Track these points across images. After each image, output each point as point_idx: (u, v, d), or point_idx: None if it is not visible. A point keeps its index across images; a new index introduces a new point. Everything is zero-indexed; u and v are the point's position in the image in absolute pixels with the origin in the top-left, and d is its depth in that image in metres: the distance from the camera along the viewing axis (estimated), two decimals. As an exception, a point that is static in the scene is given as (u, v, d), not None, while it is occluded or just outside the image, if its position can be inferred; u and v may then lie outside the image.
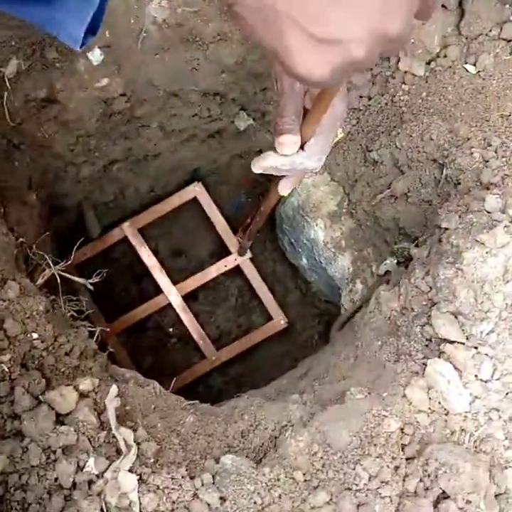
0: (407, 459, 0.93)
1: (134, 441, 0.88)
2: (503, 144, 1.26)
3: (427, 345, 1.06)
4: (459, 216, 1.13)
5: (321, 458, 0.91)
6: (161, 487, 0.84)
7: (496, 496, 0.94)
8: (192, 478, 0.87)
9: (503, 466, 0.97)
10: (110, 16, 1.26)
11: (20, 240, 1.15)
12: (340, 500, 0.86)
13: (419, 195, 1.38)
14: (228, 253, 1.97)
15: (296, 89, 0.83)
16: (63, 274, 1.17)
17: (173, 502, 0.84)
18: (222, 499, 0.85)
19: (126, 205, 1.85)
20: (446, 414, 0.98)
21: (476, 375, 0.98)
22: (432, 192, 1.36)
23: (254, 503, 0.85)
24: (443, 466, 0.91)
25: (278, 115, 0.85)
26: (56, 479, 0.81)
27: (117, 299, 1.99)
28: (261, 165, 0.93)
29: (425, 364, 1.01)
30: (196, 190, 1.93)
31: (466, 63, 1.46)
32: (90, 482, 0.82)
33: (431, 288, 1.09)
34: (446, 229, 1.13)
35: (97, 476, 0.82)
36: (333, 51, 0.51)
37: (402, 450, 0.93)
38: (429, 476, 0.91)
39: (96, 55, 1.30)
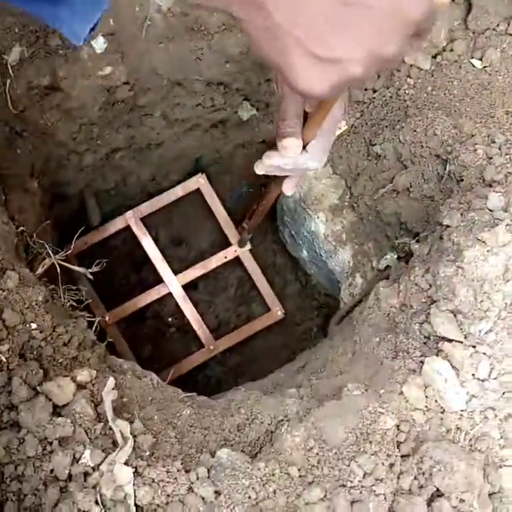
0: (402, 457, 0.93)
1: (131, 434, 0.88)
2: (508, 141, 1.26)
3: (425, 343, 1.06)
4: (461, 214, 1.12)
5: (317, 454, 0.91)
6: (156, 480, 0.84)
7: (489, 494, 0.95)
8: (187, 471, 0.87)
9: (497, 465, 0.97)
10: (115, 4, 1.25)
11: (21, 228, 1.15)
12: (334, 496, 0.87)
13: (421, 191, 1.37)
14: (228, 244, 1.98)
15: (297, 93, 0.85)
16: (63, 263, 1.17)
17: (168, 495, 0.84)
18: (217, 493, 0.85)
19: (128, 193, 1.85)
20: (442, 413, 0.98)
21: (473, 374, 0.98)
22: (434, 188, 1.35)
23: (249, 497, 0.85)
24: (438, 464, 0.91)
25: (280, 119, 0.89)
26: (52, 471, 0.82)
27: (117, 287, 1.99)
28: (264, 164, 0.97)
29: (423, 362, 1.01)
30: (200, 182, 1.94)
31: (472, 58, 1.45)
32: (86, 474, 0.82)
33: (430, 286, 1.09)
34: (448, 226, 1.12)
35: (93, 468, 0.83)
36: (333, 69, 0.56)
37: (398, 447, 0.93)
38: (423, 474, 0.91)
39: (99, 43, 1.29)
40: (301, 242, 1.80)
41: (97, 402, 0.91)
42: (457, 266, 1.03)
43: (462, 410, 0.98)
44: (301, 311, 2.05)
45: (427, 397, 0.98)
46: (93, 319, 1.13)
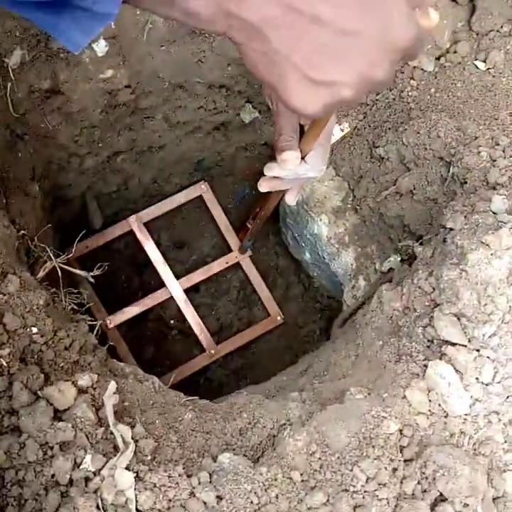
0: (405, 461, 0.92)
1: (132, 438, 0.88)
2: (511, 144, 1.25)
3: (428, 347, 1.05)
4: (465, 216, 1.12)
5: (319, 458, 0.91)
6: (157, 485, 0.84)
7: (493, 499, 0.94)
8: (189, 476, 0.87)
9: (501, 469, 0.96)
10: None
11: (22, 232, 1.15)
12: (337, 501, 0.86)
13: (424, 193, 1.37)
14: (230, 250, 2.00)
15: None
16: (64, 266, 1.17)
17: (170, 500, 0.84)
18: (219, 498, 0.85)
19: (129, 196, 1.85)
20: (446, 417, 0.97)
21: (477, 378, 0.97)
22: (437, 190, 1.35)
23: (251, 502, 0.85)
24: (441, 469, 0.90)
25: (277, 133, 0.94)
26: (53, 475, 0.81)
27: (119, 290, 1.99)
28: (267, 178, 1.04)
29: (426, 366, 1.01)
30: (202, 189, 1.97)
31: (476, 59, 1.45)
32: (87, 479, 0.82)
33: (434, 289, 1.09)
34: (451, 229, 1.12)
35: (94, 473, 0.82)
36: (326, 91, 0.60)
37: (401, 452, 0.93)
38: (426, 478, 0.91)
39: (101, 47, 1.29)
40: (303, 245, 1.80)
41: (98, 407, 0.91)
42: (461, 269, 1.02)
43: (466, 414, 0.97)
44: (303, 313, 2.05)
45: (430, 401, 0.98)
46: (94, 323, 1.13)
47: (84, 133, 1.48)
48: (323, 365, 1.26)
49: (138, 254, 1.95)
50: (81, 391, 0.91)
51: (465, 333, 1.00)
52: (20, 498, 0.80)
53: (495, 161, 1.23)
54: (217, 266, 1.97)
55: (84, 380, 0.92)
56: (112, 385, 0.92)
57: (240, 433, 0.99)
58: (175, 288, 1.90)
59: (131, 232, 1.90)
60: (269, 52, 0.58)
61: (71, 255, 1.23)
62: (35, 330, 0.95)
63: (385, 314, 1.18)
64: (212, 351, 1.90)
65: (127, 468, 0.84)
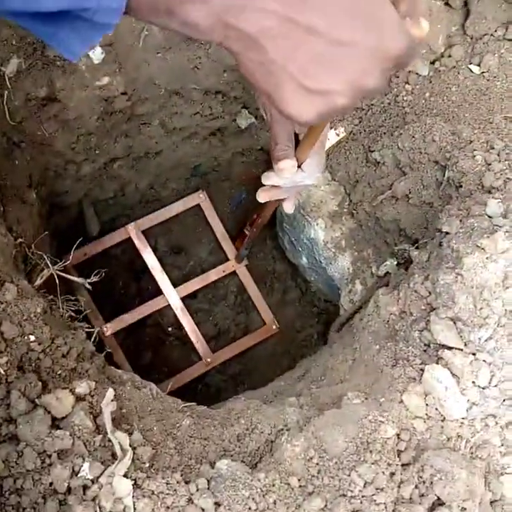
0: (402, 465, 0.92)
1: (130, 446, 0.88)
2: (506, 147, 1.25)
3: (425, 351, 1.05)
4: (460, 220, 1.12)
5: (317, 464, 0.91)
6: (155, 492, 0.84)
7: (491, 502, 0.94)
8: (187, 483, 0.87)
9: (498, 472, 0.97)
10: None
11: (20, 240, 1.15)
12: (334, 506, 0.86)
13: (420, 197, 1.37)
14: (227, 259, 2.03)
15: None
16: (62, 274, 1.17)
17: (168, 507, 0.84)
18: (217, 504, 0.85)
19: (126, 202, 1.85)
20: (443, 421, 0.97)
21: (473, 382, 0.98)
22: (433, 194, 1.35)
23: (249, 508, 0.85)
24: (438, 473, 0.90)
25: (272, 143, 0.97)
26: (51, 484, 0.81)
27: (116, 296, 1.99)
28: (265, 189, 1.07)
29: (423, 370, 1.01)
30: (200, 198, 1.99)
31: (470, 63, 1.45)
32: (85, 487, 0.82)
33: (430, 293, 1.09)
34: (447, 233, 1.12)
35: (92, 481, 0.82)
36: (320, 100, 0.62)
37: (398, 456, 0.93)
38: (424, 482, 0.91)
39: (97, 54, 1.30)
40: (300, 249, 1.80)
41: (96, 414, 0.91)
42: (456, 273, 1.03)
43: (463, 418, 0.97)
44: (300, 317, 2.06)
45: (427, 405, 0.98)
46: (92, 330, 1.13)
47: (80, 140, 1.49)
48: (321, 369, 1.26)
49: (135, 261, 1.96)
50: (79, 399, 0.91)
51: (461, 336, 1.00)
52: (19, 507, 0.80)
53: (490, 164, 1.23)
54: (214, 274, 1.99)
55: (82, 387, 0.92)
56: (110, 392, 0.92)
57: (237, 439, 0.99)
58: (172, 296, 1.91)
59: (129, 239, 1.91)
60: (265, 62, 0.59)
61: (68, 262, 1.23)
62: (32, 338, 0.95)
63: (382, 318, 1.18)
64: (209, 359, 1.91)
65: (125, 475, 0.84)
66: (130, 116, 1.51)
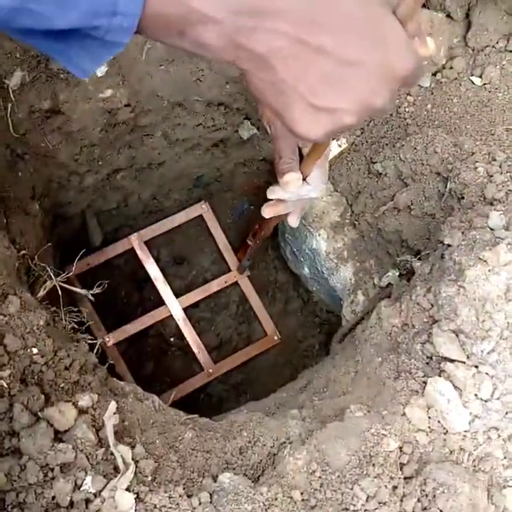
0: (405, 479, 0.92)
1: (132, 459, 0.88)
2: (508, 159, 1.26)
3: (427, 363, 1.05)
4: (462, 232, 1.12)
5: (319, 477, 0.90)
6: (158, 506, 0.84)
7: (493, 516, 0.94)
8: (189, 496, 0.87)
9: (501, 485, 0.96)
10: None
11: (23, 252, 1.15)
12: (337, 520, 0.86)
13: (422, 208, 1.37)
14: (229, 269, 2.03)
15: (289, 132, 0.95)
16: (64, 285, 1.17)
17: (170, 521, 0.84)
18: (220, 518, 0.85)
19: (129, 212, 1.86)
20: (445, 434, 0.97)
21: (476, 394, 0.97)
22: (435, 205, 1.35)
23: (251, 522, 0.85)
24: (441, 486, 0.90)
25: (276, 157, 0.98)
26: (53, 498, 0.81)
27: (118, 306, 1.99)
28: (270, 204, 1.09)
29: (425, 382, 1.01)
30: (203, 208, 2.00)
31: (472, 75, 1.46)
32: (87, 501, 0.81)
33: (432, 305, 1.09)
34: (449, 245, 1.12)
35: (95, 494, 0.82)
36: (329, 118, 0.63)
37: (401, 469, 0.93)
38: (427, 496, 0.91)
39: (100, 67, 1.30)
40: (302, 259, 1.80)
41: (98, 427, 0.91)
42: (459, 285, 1.03)
43: (465, 431, 0.97)
44: (302, 327, 2.06)
45: (429, 418, 0.98)
46: (94, 342, 1.13)
47: (84, 151, 1.49)
48: (323, 381, 1.26)
49: (138, 271, 1.96)
50: (81, 411, 0.91)
51: (463, 349, 1.00)
52: (21, 521, 0.80)
53: (491, 176, 1.23)
54: (215, 285, 2.00)
55: (85, 400, 0.92)
56: (112, 405, 0.92)
57: (240, 452, 0.99)
58: (174, 306, 1.92)
59: (131, 250, 1.92)
60: (276, 82, 0.60)
61: (71, 274, 1.23)
62: (35, 350, 0.95)
63: (384, 331, 1.18)
64: (210, 370, 1.92)
65: (128, 489, 0.84)
66: (133, 128, 1.52)
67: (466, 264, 1.04)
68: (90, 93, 1.35)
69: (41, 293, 1.13)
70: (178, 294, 1.93)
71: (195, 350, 1.91)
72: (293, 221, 1.17)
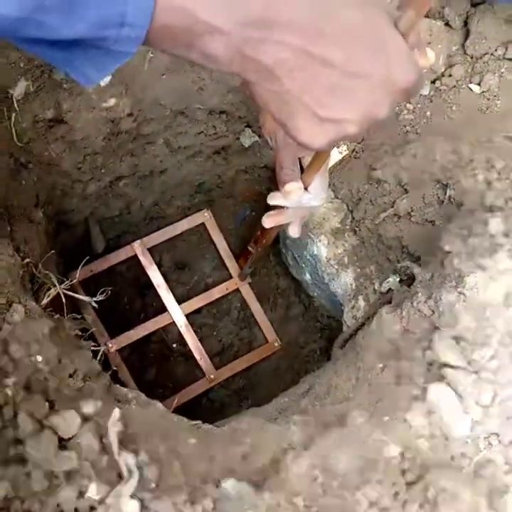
0: (407, 485, 0.93)
1: (136, 466, 0.88)
2: (507, 166, 1.27)
3: (428, 370, 1.06)
4: (462, 239, 1.13)
5: (322, 483, 0.91)
6: (162, 513, 0.84)
7: (495, 521, 0.95)
8: (193, 503, 0.87)
9: (502, 491, 0.97)
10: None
11: (27, 260, 1.16)
12: (339, 527, 0.87)
13: (422, 215, 1.38)
14: (230, 276, 2.05)
15: (290, 143, 0.98)
16: (68, 292, 1.18)
17: (174, 528, 0.84)
18: (223, 525, 0.85)
19: (131, 219, 1.87)
20: (447, 439, 0.98)
21: (476, 401, 0.98)
22: (435, 212, 1.36)
23: (255, 529, 0.85)
24: (442, 492, 0.91)
25: (278, 167, 1.01)
26: (58, 505, 0.81)
27: (121, 311, 2.00)
28: (271, 215, 1.11)
29: (426, 388, 1.01)
30: (205, 216, 2.02)
31: (470, 83, 1.47)
32: (92, 508, 0.82)
33: (433, 312, 1.10)
34: (449, 252, 1.13)
35: (99, 502, 0.83)
36: (332, 128, 0.65)
37: (402, 475, 0.93)
38: (428, 501, 0.91)
39: (103, 77, 1.31)
40: (303, 265, 1.81)
41: (102, 434, 0.91)
42: (459, 292, 1.03)
43: (466, 437, 0.97)
44: (304, 333, 2.06)
45: (430, 424, 0.98)
46: (98, 349, 1.14)
47: (87, 160, 1.50)
48: (325, 387, 1.27)
49: (140, 277, 1.97)
50: (85, 419, 0.91)
51: (464, 355, 1.01)
52: (27, 528, 0.80)
53: (491, 183, 1.24)
54: (217, 292, 2.01)
55: (89, 407, 0.93)
56: (116, 413, 0.93)
57: (242, 458, 0.99)
58: (176, 313, 1.92)
59: (134, 257, 1.93)
60: (281, 92, 0.62)
61: (75, 281, 1.24)
62: (40, 358, 0.96)
63: (385, 337, 1.19)
64: (212, 376, 1.92)
65: (132, 496, 0.84)
66: (136, 136, 1.53)
67: (466, 270, 1.04)
68: (93, 102, 1.35)
69: (45, 300, 1.14)
70: (179, 300, 1.94)
71: (197, 356, 1.92)
72: (293, 231, 1.18)
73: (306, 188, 1.02)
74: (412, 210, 1.39)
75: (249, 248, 1.74)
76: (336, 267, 1.62)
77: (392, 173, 1.44)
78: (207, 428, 1.10)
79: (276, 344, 2.03)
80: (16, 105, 1.24)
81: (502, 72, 1.45)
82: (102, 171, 1.57)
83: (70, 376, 1.00)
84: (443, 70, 1.48)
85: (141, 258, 1.92)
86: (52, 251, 1.35)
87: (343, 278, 1.63)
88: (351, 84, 0.61)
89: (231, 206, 2.04)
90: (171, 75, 1.39)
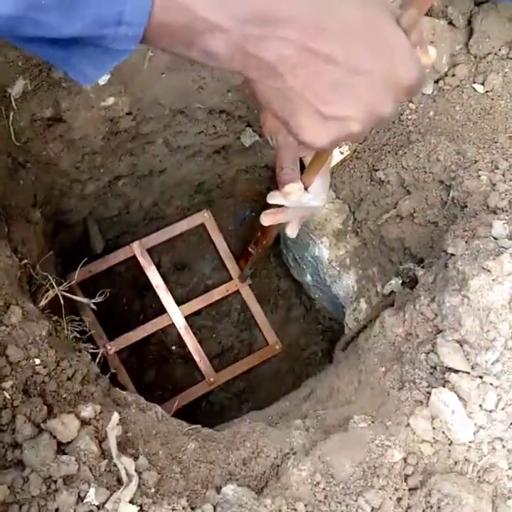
0: (409, 490, 0.92)
1: (135, 471, 0.87)
2: (511, 167, 1.25)
3: (431, 374, 1.05)
4: (466, 242, 1.12)
5: (324, 489, 0.90)
6: (161, 518, 0.83)
7: (498, 527, 0.94)
8: (193, 509, 0.86)
9: (506, 496, 0.96)
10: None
11: (24, 261, 1.15)
12: (342, 533, 0.85)
13: (425, 216, 1.37)
14: (230, 278, 2.04)
15: (291, 143, 0.98)
16: (66, 294, 1.17)
17: (174, 534, 0.83)
18: (223, 531, 0.84)
19: (130, 219, 1.86)
20: (450, 444, 0.97)
21: (480, 405, 0.97)
22: (438, 213, 1.35)
23: (256, 535, 0.84)
24: (446, 497, 0.90)
25: (278, 167, 0.99)
26: (57, 510, 0.80)
27: (120, 312, 1.99)
28: (270, 213, 1.09)
29: (429, 393, 1.00)
30: (205, 217, 2.01)
31: (474, 82, 1.46)
32: (91, 513, 0.81)
33: (436, 315, 1.08)
34: (453, 255, 1.12)
35: (98, 506, 0.81)
36: (335, 126, 0.63)
37: (405, 481, 0.92)
38: (431, 507, 0.90)
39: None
40: (304, 267, 1.80)
41: (101, 438, 0.90)
42: (463, 295, 1.02)
43: (470, 442, 0.96)
44: (305, 335, 2.05)
45: (434, 428, 0.97)
46: (97, 351, 1.13)
47: (85, 159, 1.49)
48: (326, 391, 1.26)
49: (139, 278, 1.96)
50: (84, 423, 0.90)
51: (468, 359, 1.00)
52: (24, 534, 0.79)
53: (495, 185, 1.23)
54: (217, 294, 2.00)
55: (87, 411, 0.92)
56: (115, 417, 0.92)
57: (243, 463, 0.98)
58: (176, 314, 1.91)
59: (133, 257, 1.92)
60: (283, 90, 0.60)
61: (73, 282, 1.23)
62: (38, 361, 0.95)
63: (388, 340, 1.18)
64: (212, 379, 1.91)
65: (131, 501, 0.83)
66: (135, 136, 1.52)
67: (470, 273, 1.03)
68: (92, 101, 1.35)
69: (43, 302, 1.13)
70: (179, 301, 1.93)
71: (196, 358, 1.91)
72: (291, 231, 1.17)
73: (306, 189, 1.01)
74: (414, 212, 1.38)
75: (250, 249, 1.73)
76: (338, 268, 1.61)
77: (394, 174, 1.43)
78: (207, 432, 1.09)
79: (276, 346, 2.02)
80: (13, 104, 1.23)
81: (506, 72, 1.44)
82: (101, 170, 1.56)
83: (69, 379, 0.99)
84: (446, 70, 1.47)
85: (140, 259, 1.91)
86: (51, 252, 1.35)
87: (345, 280, 1.62)
88: (355, 81, 0.60)
89: (231, 206, 2.04)
90: (170, 73, 1.38)
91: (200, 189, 1.91)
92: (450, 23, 1.47)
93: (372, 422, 1.01)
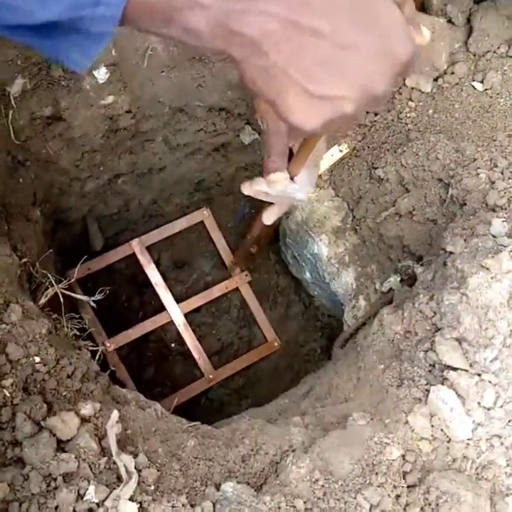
0: (408, 487, 0.92)
1: (135, 468, 0.88)
2: (510, 165, 1.26)
3: (430, 371, 1.05)
4: (465, 240, 1.12)
5: (322, 486, 0.90)
6: (161, 516, 0.84)
7: (496, 524, 0.94)
8: (192, 506, 0.86)
9: (504, 493, 0.96)
10: (117, 35, 1.26)
11: (24, 259, 1.15)
12: (341, 530, 0.86)
13: (424, 214, 1.37)
14: (230, 275, 2.04)
15: (281, 129, 0.94)
16: (66, 292, 1.17)
17: (174, 531, 0.83)
18: (223, 528, 0.85)
19: (130, 217, 1.86)
20: (449, 442, 0.97)
21: (479, 403, 0.97)
22: (437, 211, 1.35)
23: (255, 532, 0.84)
24: (444, 495, 0.90)
25: (266, 154, 0.96)
26: (57, 507, 0.81)
27: (119, 310, 1.99)
28: (252, 188, 1.04)
29: (428, 390, 1.01)
30: (204, 214, 2.01)
31: (473, 80, 1.46)
32: (90, 511, 0.81)
33: (435, 313, 1.09)
34: (452, 253, 1.12)
35: (98, 504, 0.82)
36: (326, 106, 0.59)
37: (404, 478, 0.92)
38: (430, 504, 0.90)
39: (102, 73, 1.30)
40: (303, 264, 1.80)
41: (101, 436, 0.91)
42: (461, 293, 1.02)
43: (468, 439, 0.97)
44: (304, 332, 2.05)
45: (432, 426, 0.98)
46: (96, 349, 1.13)
47: (85, 157, 1.49)
48: (325, 388, 1.26)
49: (138, 275, 1.97)
50: (84, 420, 0.91)
51: (466, 357, 1.00)
52: (25, 531, 0.80)
53: (493, 183, 1.23)
54: (216, 291, 2.00)
55: (87, 409, 0.92)
56: (115, 414, 0.92)
57: (242, 460, 0.98)
58: (175, 312, 1.92)
59: (133, 255, 1.92)
60: (267, 67, 0.57)
61: (73, 280, 1.23)
62: (37, 359, 0.95)
63: (386, 337, 1.18)
64: (211, 376, 1.91)
65: (131, 498, 0.83)
66: (134, 134, 1.52)
67: (469, 271, 1.03)
68: (92, 100, 1.35)
69: (43, 300, 1.13)
70: (178, 298, 1.93)
71: (195, 355, 1.91)
72: (269, 217, 1.14)
73: (292, 178, 0.99)
74: (413, 209, 1.39)
75: (251, 250, 1.73)
76: (337, 266, 1.62)
77: (393, 172, 1.43)
78: (206, 429, 1.09)
79: (275, 343, 2.02)
80: (13, 102, 1.23)
81: (505, 70, 1.44)
82: (101, 168, 1.56)
83: (68, 377, 0.99)
84: (445, 68, 1.47)
85: (140, 256, 1.91)
86: (50, 250, 1.35)
87: (344, 277, 1.62)
88: (344, 56, 0.57)
89: (230, 204, 2.04)
90: (170, 71, 1.38)
91: (200, 187, 1.91)
92: (449, 21, 1.47)
93: (371, 419, 1.01)
